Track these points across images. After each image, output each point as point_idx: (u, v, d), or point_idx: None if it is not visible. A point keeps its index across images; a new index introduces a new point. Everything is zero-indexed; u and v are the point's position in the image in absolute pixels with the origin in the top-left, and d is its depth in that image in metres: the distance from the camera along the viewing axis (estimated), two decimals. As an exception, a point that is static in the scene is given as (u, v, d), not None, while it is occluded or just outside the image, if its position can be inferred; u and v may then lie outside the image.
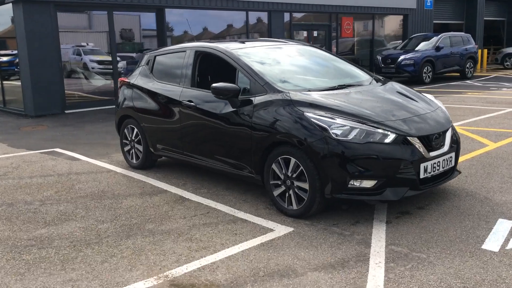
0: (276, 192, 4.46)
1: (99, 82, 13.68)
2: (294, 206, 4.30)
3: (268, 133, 4.39)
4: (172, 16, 14.37)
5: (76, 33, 13.25)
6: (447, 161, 4.34)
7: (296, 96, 4.38)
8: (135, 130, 6.15)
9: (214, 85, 4.72)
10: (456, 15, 25.47)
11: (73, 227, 4.31)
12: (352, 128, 4.01)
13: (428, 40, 18.63)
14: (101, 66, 13.63)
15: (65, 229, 4.26)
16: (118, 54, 13.42)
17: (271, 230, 4.08)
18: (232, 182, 5.47)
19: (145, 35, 14.67)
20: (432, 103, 4.76)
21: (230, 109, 4.76)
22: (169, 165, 6.40)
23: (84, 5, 12.61)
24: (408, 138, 4.05)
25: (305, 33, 18.13)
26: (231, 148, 4.83)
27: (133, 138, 6.22)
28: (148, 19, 14.35)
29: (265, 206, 4.69)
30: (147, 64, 6.18)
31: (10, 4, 11.72)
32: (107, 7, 12.86)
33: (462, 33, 20.15)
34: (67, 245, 3.92)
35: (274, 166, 4.41)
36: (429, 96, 4.99)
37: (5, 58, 14.11)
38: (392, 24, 21.79)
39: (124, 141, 6.41)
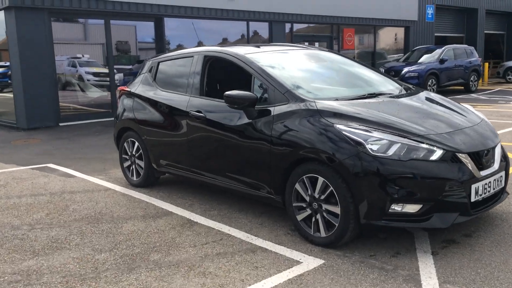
0: (300, 216, 3.89)
1: (95, 94, 13.18)
2: (322, 233, 3.73)
3: (291, 148, 3.83)
4: (170, 26, 13.88)
5: (71, 45, 12.90)
6: (497, 181, 3.79)
7: (323, 105, 3.83)
8: (136, 144, 5.58)
9: (227, 93, 4.17)
10: (456, 28, 25.18)
11: (66, 258, 3.71)
12: (391, 143, 3.46)
13: (431, 53, 18.24)
14: (97, 78, 13.23)
15: (57, 260, 3.67)
16: (114, 66, 12.93)
17: (298, 262, 3.50)
18: (245, 203, 4.90)
19: (141, 48, 14.22)
20: (476, 115, 4.22)
21: (245, 120, 4.21)
22: (173, 182, 5.82)
23: (80, 13, 12.10)
24: (458, 154, 3.50)
25: (306, 44, 17.70)
26: (247, 164, 4.27)
27: (133, 153, 5.64)
28: (144, 31, 13.93)
29: (286, 232, 4.11)
30: (150, 71, 5.63)
31: (2, 11, 11.18)
32: (104, 15, 12.36)
33: (466, 45, 19.80)
34: (59, 281, 3.31)
35: (297, 186, 3.84)
36: (469, 107, 4.46)
37: (-1, 70, 13.63)
38: (392, 36, 21.43)
39: (123, 156, 5.83)
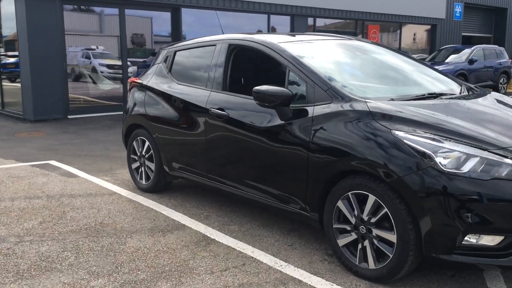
0: (342, 241, 3.17)
1: (107, 86, 12.66)
2: (371, 265, 3.01)
3: (335, 158, 3.11)
4: (186, 21, 13.24)
5: (86, 37, 12.58)
6: None
7: (376, 106, 3.10)
8: (147, 143, 4.89)
9: (257, 88, 3.46)
10: (484, 27, 24.18)
11: (55, 283, 3.03)
12: (467, 156, 2.72)
13: (459, 52, 17.34)
14: (110, 71, 12.88)
15: (44, 286, 3.00)
16: (128, 59, 12.44)
17: (343, 302, 2.79)
18: (270, 216, 4.19)
19: (157, 41, 13.69)
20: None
21: (277, 121, 3.50)
22: (187, 188, 5.13)
23: (93, 1, 11.48)
24: (552, 174, 2.76)
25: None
26: (276, 173, 3.56)
27: (143, 153, 4.96)
28: (161, 24, 13.39)
29: (322, 257, 3.40)
30: (165, 61, 4.93)
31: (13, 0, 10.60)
32: (118, 4, 11.73)
33: (495, 46, 18.85)
34: (42, 317, 2.65)
35: (340, 204, 3.13)
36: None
37: (11, 59, 13.29)
38: (417, 34, 20.54)
39: (132, 156, 5.15)
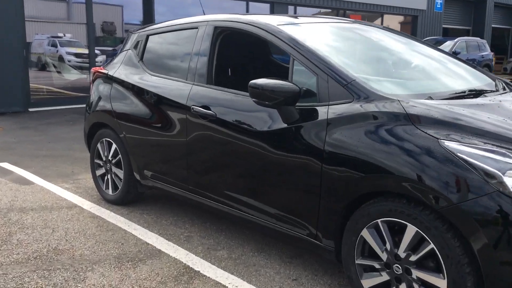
0: (368, 282, 2.45)
1: (73, 76, 11.84)
2: (410, 316, 2.30)
3: (360, 174, 2.38)
4: (160, 9, 12.48)
5: (53, 24, 11.99)
6: None
7: (416, 107, 2.38)
8: (114, 146, 4.08)
9: (254, 82, 2.70)
10: (463, 20, 23.90)
11: None
12: (547, 177, 2.03)
13: (441, 44, 16.92)
14: (79, 59, 12.23)
15: None
16: (98, 48, 11.73)
17: None
18: (265, 237, 3.45)
19: (128, 29, 12.97)
20: None
21: (279, 124, 2.75)
22: (163, 198, 4.34)
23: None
24: None
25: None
26: (278, 189, 2.82)
27: (110, 158, 4.14)
28: (132, 12, 12.73)
29: (338, 297, 2.69)
30: (135, 47, 4.10)
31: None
32: (84, -13, 10.78)
33: (478, 38, 18.52)
34: None
35: (366, 234, 2.41)
36: None
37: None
38: (399, 26, 20.04)
39: (96, 161, 4.32)
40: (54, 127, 8.04)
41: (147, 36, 4.03)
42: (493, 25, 25.11)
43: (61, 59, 12.28)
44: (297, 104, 2.69)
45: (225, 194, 3.18)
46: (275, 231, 2.93)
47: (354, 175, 2.40)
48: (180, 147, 3.43)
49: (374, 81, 2.71)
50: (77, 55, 11.95)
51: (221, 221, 3.77)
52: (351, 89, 2.56)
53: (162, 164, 3.64)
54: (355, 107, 2.49)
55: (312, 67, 2.74)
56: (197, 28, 3.54)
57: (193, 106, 3.28)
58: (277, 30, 3.01)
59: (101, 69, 4.34)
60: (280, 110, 2.72)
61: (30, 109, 9.92)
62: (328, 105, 2.61)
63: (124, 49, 4.23)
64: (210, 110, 3.17)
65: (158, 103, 3.60)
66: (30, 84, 10.16)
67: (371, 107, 2.44)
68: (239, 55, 4.05)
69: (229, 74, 3.97)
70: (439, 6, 20.82)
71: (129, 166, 3.96)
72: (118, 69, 4.11)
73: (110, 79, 4.14)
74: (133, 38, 4.20)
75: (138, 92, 3.80)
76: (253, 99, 2.73)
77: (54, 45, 12.56)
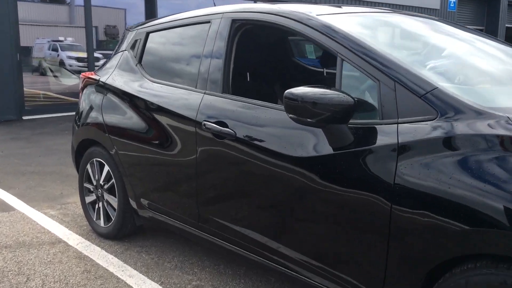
0: None
1: (73, 81, 11.31)
2: None
3: (459, 224, 1.62)
4: (162, 12, 11.97)
5: (55, 27, 11.77)
6: None
7: (538, 129, 1.62)
8: (106, 168, 3.34)
9: (292, 92, 1.95)
10: (476, 19, 23.13)
11: None
12: None
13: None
14: (80, 64, 11.86)
15: None
16: (100, 51, 11.41)
17: None
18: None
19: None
20: None
21: (326, 148, 2.00)
22: (165, 230, 3.59)
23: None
24: None
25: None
26: (326, 235, 2.07)
27: (101, 182, 3.40)
28: (135, 15, 12.33)
29: None
30: (133, 48, 3.37)
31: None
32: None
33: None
34: None
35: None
36: None
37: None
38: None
39: (85, 185, 3.58)
40: (47, 138, 7.32)
41: (147, 34, 3.29)
42: (507, 25, 24.34)
43: (62, 63, 12.00)
44: (352, 121, 1.95)
45: (248, 238, 2.42)
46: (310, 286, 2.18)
47: (451, 226, 1.64)
48: (187, 172, 2.69)
49: (463, 89, 1.95)
50: (78, 59, 11.55)
51: (236, 260, 3.02)
52: (433, 101, 1.80)
53: (164, 192, 2.90)
54: (443, 127, 1.74)
55: (371, 71, 1.99)
56: (209, 22, 2.80)
57: (205, 122, 2.53)
58: (321, 23, 2.25)
59: (91, 75, 3.60)
60: (327, 129, 1.97)
61: (25, 117, 9.24)
62: (397, 123, 1.85)
63: (119, 50, 3.49)
64: (227, 127, 2.42)
65: (159, 117, 2.86)
66: (26, 90, 9.51)
67: (470, 127, 1.69)
68: (264, 57, 3.32)
69: (252, 80, 3.23)
70: (453, 5, 20.10)
71: (124, 193, 3.22)
72: (112, 75, 3.37)
73: (102, 87, 3.40)
74: (130, 37, 3.46)
75: (135, 102, 3.06)
76: (290, 115, 1.98)
77: (55, 49, 12.42)
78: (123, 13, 12.52)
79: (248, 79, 3.19)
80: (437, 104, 1.79)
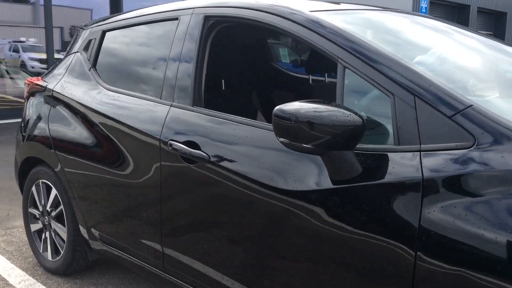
0: None
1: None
2: None
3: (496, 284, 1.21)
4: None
5: (17, 28, 11.57)
6: None
7: None
8: (54, 191, 2.82)
9: (282, 108, 1.49)
10: (446, 25, 23.28)
11: None
12: None
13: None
14: (43, 66, 11.41)
15: None
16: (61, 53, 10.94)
17: None
18: None
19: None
20: None
21: (326, 182, 1.56)
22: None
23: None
24: None
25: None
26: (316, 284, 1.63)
27: (48, 208, 2.88)
28: (101, 16, 11.82)
29: None
30: (86, 49, 2.85)
31: None
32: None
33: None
34: None
35: None
36: None
37: None
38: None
39: (30, 211, 3.05)
40: (1, 146, 6.68)
41: (103, 33, 2.78)
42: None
43: (23, 65, 11.51)
44: (360, 145, 1.53)
45: (220, 283, 1.96)
46: None
47: (489, 285, 1.22)
48: (148, 200, 2.21)
49: (497, 105, 1.54)
50: (41, 61, 11.06)
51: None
52: (467, 123, 1.38)
53: (119, 222, 2.41)
54: (480, 159, 1.32)
55: (383, 82, 1.56)
56: (177, 19, 2.33)
57: (171, 142, 2.06)
58: (315, 20, 1.81)
59: (38, 81, 3.08)
60: (327, 157, 1.53)
61: (-23, 123, 8.55)
62: (420, 151, 1.43)
63: (71, 52, 2.97)
64: (199, 148, 1.96)
65: (116, 132, 2.37)
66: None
67: (524, 161, 1.27)
68: (243, 61, 2.87)
69: (228, 89, 2.77)
70: (424, 10, 20.11)
71: (74, 222, 2.71)
72: (61, 81, 2.85)
73: (49, 95, 2.88)
74: (83, 36, 2.95)
75: (88, 115, 2.56)
76: (280, 139, 1.52)
77: (16, 50, 11.88)
78: (89, 14, 12.19)
79: (223, 88, 2.73)
80: (473, 127, 1.37)
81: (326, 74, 3.11)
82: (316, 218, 1.58)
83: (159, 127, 2.15)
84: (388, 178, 1.44)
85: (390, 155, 1.48)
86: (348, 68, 1.66)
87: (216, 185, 1.90)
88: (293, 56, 11.93)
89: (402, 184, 1.41)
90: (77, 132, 2.61)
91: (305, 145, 1.48)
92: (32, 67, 11.33)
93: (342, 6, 2.16)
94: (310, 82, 3.07)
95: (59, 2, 10.51)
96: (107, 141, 2.41)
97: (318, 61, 2.82)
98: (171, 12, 2.37)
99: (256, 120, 2.71)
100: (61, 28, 11.61)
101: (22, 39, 13.56)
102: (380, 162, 1.49)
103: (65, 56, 3.01)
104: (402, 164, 1.44)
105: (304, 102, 1.51)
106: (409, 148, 1.45)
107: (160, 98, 2.24)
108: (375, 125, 1.59)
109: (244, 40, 3.01)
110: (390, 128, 1.53)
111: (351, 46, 1.67)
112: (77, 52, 2.88)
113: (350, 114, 1.45)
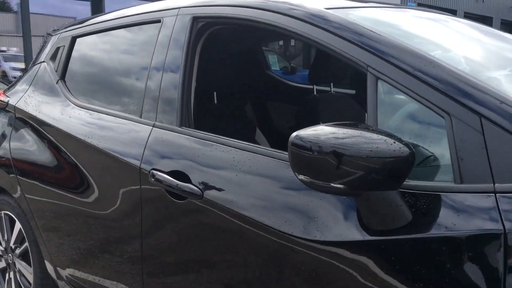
0: None
1: None
2: None
3: None
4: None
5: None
6: None
7: None
8: (18, 225, 2.39)
9: (300, 135, 1.10)
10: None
11: None
12: None
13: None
14: None
15: None
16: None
17: None
18: None
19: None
20: None
21: (358, 232, 1.17)
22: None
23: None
24: None
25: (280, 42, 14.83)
26: None
27: (12, 245, 2.45)
28: None
29: None
30: (53, 58, 2.44)
31: None
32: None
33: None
34: None
35: None
36: None
37: None
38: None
39: (-9, 247, 2.62)
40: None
41: (73, 39, 2.37)
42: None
43: (4, 75, 11.36)
44: (407, 181, 1.14)
45: None
46: None
47: None
48: (126, 237, 1.81)
49: None
50: (24, 70, 10.82)
51: None
52: None
53: (91, 262, 1.99)
54: None
55: (434, 98, 1.18)
56: (159, 21, 1.93)
57: (154, 171, 1.65)
58: (337, 21, 1.43)
59: (0, 96, 2.65)
60: (364, 198, 1.14)
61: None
62: (495, 192, 1.05)
63: (37, 62, 2.56)
64: (189, 181, 1.55)
65: (86, 157, 1.96)
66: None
67: None
68: (239, 70, 2.48)
69: (223, 104, 2.37)
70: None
71: (41, 261, 2.29)
72: (25, 96, 2.43)
73: (11, 113, 2.45)
74: (51, 43, 2.53)
75: (54, 135, 2.14)
76: (300, 176, 1.13)
77: None
78: (72, 22, 11.98)
79: (216, 102, 2.33)
80: None
81: (331, 84, 2.73)
82: (344, 280, 1.19)
83: (139, 152, 1.74)
84: (451, 229, 1.06)
85: (450, 196, 1.09)
86: (382, 80, 1.28)
87: (211, 228, 1.50)
88: (282, 63, 11.58)
89: (473, 239, 1.03)
90: (42, 155, 2.20)
91: (334, 185, 1.08)
92: (14, 77, 10.92)
93: (359, 3, 1.78)
94: (315, 93, 2.69)
95: (42, 11, 10.13)
96: (76, 167, 2.00)
97: (324, 69, 2.44)
98: (151, 13, 1.97)
99: (254, 137, 2.33)
100: (30, 36, 11.29)
101: (3, 48, 13.31)
102: (436, 206, 1.10)
103: (31, 67, 2.59)
104: (470, 210, 1.05)
105: (330, 125, 1.12)
106: (478, 188, 1.07)
107: (141, 117, 1.84)
108: (425, 156, 1.21)
109: (239, 46, 2.62)
110: (445, 158, 1.15)
111: (387, 52, 1.29)
112: (44, 61, 2.47)
113: (394, 142, 1.06)
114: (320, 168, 1.08)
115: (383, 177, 1.05)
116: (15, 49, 12.68)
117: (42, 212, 2.19)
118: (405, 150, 1.06)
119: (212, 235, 1.50)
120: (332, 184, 1.08)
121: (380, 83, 1.29)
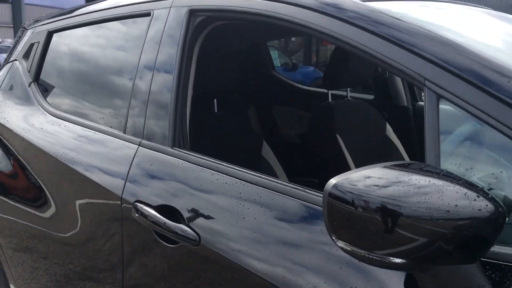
0: None
1: None
2: None
3: None
4: None
5: None
6: None
7: None
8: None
9: (338, 184, 0.76)
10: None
11: None
12: None
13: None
14: None
15: None
16: None
17: None
18: None
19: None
20: None
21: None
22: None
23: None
24: None
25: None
26: None
27: (-24, 273, 2.12)
28: None
29: None
30: (27, 56, 2.08)
31: None
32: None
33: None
34: None
35: None
36: None
37: None
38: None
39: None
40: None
41: (49, 35, 2.01)
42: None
43: None
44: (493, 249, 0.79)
45: None
46: None
47: None
48: (107, 276, 1.47)
49: None
50: None
51: None
52: None
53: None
54: None
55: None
56: (149, 14, 1.57)
57: (138, 204, 1.31)
58: (377, 14, 1.09)
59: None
60: (429, 273, 0.80)
61: None
62: None
63: (9, 60, 2.20)
64: (183, 220, 1.21)
65: (58, 180, 1.62)
66: None
67: None
68: (247, 74, 2.14)
69: (225, 112, 2.01)
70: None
71: (7, 285, 1.96)
72: (-8, 100, 2.07)
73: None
74: (26, 40, 2.17)
75: (24, 151, 1.80)
76: (339, 242, 0.79)
77: None
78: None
79: (216, 110, 1.98)
80: None
81: (348, 89, 2.38)
82: None
83: (120, 178, 1.40)
84: None
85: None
86: (446, 99, 0.93)
87: (210, 284, 1.16)
88: (283, 58, 11.19)
89: None
90: (8, 169, 1.85)
91: (390, 260, 0.74)
92: (9, 69, 11.00)
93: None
94: (329, 99, 2.34)
95: (38, 2, 9.77)
96: (44, 189, 1.66)
97: (343, 71, 2.10)
98: (139, 4, 1.62)
99: (261, 151, 1.99)
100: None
101: (-2, 39, 13.12)
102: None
103: (2, 66, 2.24)
104: None
105: (379, 167, 0.78)
106: None
107: (124, 132, 1.49)
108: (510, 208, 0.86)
109: (243, 45, 2.28)
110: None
111: (451, 60, 0.94)
112: (16, 60, 2.11)
113: (477, 196, 0.72)
114: (367, 232, 0.75)
115: (462, 246, 0.72)
116: (10, 40, 12.35)
117: (9, 240, 1.85)
118: (491, 208, 0.71)
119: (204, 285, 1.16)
120: (388, 259, 0.74)
121: (443, 102, 0.94)
